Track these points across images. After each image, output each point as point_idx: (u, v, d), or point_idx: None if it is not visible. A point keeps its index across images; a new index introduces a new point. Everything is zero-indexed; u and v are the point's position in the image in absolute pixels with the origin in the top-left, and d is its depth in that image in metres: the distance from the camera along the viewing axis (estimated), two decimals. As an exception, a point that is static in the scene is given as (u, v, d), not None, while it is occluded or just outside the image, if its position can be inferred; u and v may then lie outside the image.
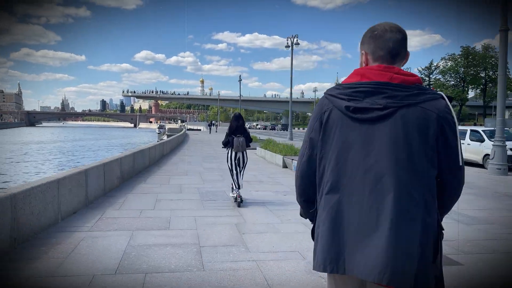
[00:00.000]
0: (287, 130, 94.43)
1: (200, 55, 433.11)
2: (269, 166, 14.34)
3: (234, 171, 7.39)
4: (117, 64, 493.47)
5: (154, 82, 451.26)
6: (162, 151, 17.07)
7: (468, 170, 14.80)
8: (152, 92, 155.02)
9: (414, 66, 79.97)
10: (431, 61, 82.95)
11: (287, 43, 40.00)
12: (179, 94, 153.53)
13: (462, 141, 18.77)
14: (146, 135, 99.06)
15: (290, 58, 39.93)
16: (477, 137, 17.37)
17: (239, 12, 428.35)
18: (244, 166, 7.49)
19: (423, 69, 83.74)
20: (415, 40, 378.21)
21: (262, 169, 13.37)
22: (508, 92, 79.18)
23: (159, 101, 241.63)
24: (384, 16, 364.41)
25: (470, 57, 68.22)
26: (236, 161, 7.37)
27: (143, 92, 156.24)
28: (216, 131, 56.66)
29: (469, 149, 17.73)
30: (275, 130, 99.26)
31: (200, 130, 73.51)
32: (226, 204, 7.38)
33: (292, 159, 12.81)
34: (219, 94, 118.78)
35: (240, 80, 71.56)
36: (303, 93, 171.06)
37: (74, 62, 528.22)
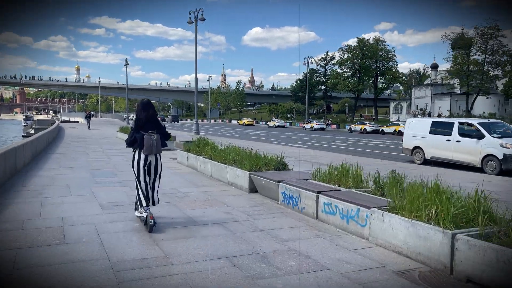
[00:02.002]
0: (178, 122, 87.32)
1: (75, 40, 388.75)
2: (219, 187, 8.09)
3: (143, 182, 5.07)
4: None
5: (19, 68, 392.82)
6: (14, 164, 9.45)
7: (474, 176, 10.08)
8: (15, 77, 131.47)
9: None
10: (327, 52, 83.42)
11: (190, 18, 33.26)
12: (51, 80, 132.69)
13: (447, 138, 14.73)
14: (8, 128, 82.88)
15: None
16: (471, 132, 13.31)
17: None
18: (159, 175, 5.25)
19: (319, 60, 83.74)
20: (294, 36, 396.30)
21: (217, 196, 7.11)
22: (396, 84, 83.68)
23: (26, 89, 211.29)
24: (265, 13, 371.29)
25: (365, 48, 69.13)
26: (146, 167, 5.08)
27: (2, 77, 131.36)
28: (89, 128, 37.47)
29: (459, 147, 13.48)
30: (165, 121, 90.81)
31: (78, 122, 63.66)
32: None
33: (279, 182, 6.72)
34: (99, 82, 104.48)
35: (126, 64, 62.12)
36: (189, 83, 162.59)
37: None
